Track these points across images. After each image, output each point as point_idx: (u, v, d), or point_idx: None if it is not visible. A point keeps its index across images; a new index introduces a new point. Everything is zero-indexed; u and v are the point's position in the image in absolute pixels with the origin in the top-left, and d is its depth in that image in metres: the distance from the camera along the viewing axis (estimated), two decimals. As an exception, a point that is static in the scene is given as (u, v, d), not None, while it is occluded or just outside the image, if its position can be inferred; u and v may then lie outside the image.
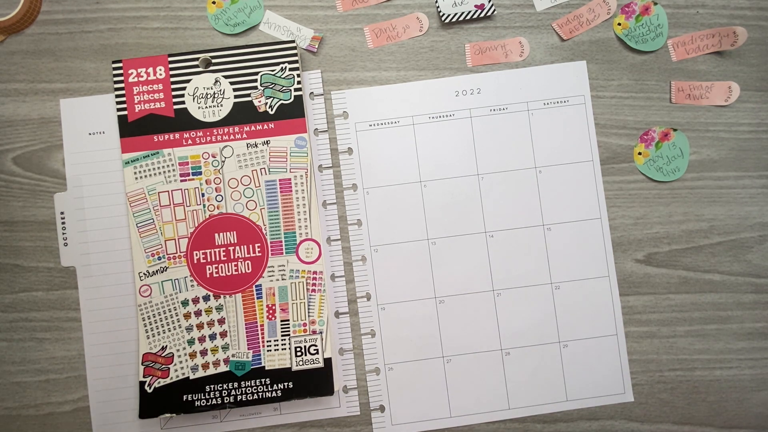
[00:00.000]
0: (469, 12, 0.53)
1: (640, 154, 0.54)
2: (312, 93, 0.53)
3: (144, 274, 0.50)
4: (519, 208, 0.53)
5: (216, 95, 0.51)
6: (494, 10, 0.53)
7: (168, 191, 0.51)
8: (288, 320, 0.50)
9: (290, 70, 0.52)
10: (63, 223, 0.52)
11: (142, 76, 0.51)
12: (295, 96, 0.52)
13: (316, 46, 0.53)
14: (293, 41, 0.52)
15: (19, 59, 0.53)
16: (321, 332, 0.50)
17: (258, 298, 0.50)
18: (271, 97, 0.51)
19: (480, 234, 0.53)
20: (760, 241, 0.54)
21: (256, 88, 0.51)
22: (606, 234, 0.53)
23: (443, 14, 0.53)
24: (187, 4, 0.53)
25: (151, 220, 0.51)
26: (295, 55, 0.52)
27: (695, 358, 0.53)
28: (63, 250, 0.52)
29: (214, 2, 0.53)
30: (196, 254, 0.51)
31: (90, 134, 0.52)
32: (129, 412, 0.51)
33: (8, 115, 0.52)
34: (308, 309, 0.51)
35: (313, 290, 0.51)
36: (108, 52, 0.53)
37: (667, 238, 0.54)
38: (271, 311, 0.50)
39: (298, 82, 0.52)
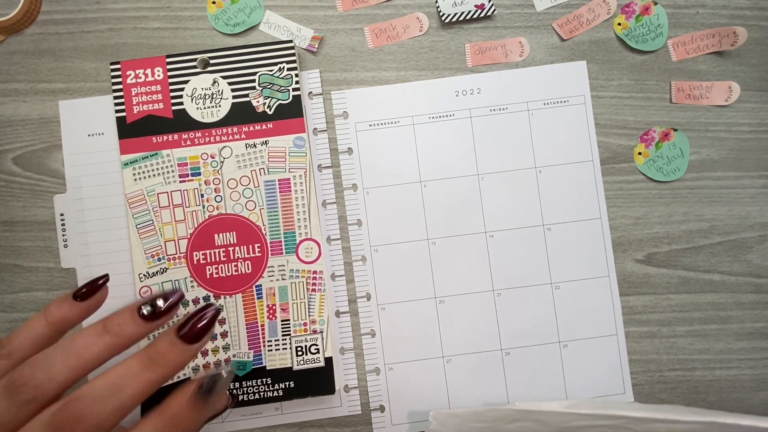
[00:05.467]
0: (469, 12, 0.53)
1: (640, 154, 0.54)
2: (311, 93, 0.53)
3: (144, 275, 0.50)
4: (519, 208, 0.53)
5: (214, 96, 0.51)
6: (494, 10, 0.53)
7: (167, 192, 0.51)
8: (288, 320, 0.50)
9: (288, 69, 0.52)
10: (63, 224, 0.52)
11: (140, 78, 0.51)
12: (293, 96, 0.52)
13: (316, 46, 0.53)
14: (291, 41, 0.52)
15: (19, 59, 0.53)
16: (321, 332, 0.50)
17: (258, 298, 0.50)
18: (269, 97, 0.51)
19: (480, 234, 0.53)
20: (760, 241, 0.54)
21: (254, 88, 0.51)
22: (606, 234, 0.53)
23: (443, 14, 0.53)
24: (187, 4, 0.53)
25: (151, 222, 0.51)
26: (293, 54, 0.52)
27: (695, 358, 0.53)
28: (63, 251, 0.52)
29: (214, 2, 0.53)
30: (196, 255, 0.51)
31: (89, 135, 0.52)
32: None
33: (8, 115, 0.52)
34: (308, 309, 0.51)
35: (314, 290, 0.51)
36: (108, 52, 0.53)
37: (667, 238, 0.54)
38: (271, 311, 0.50)
39: (296, 82, 0.52)
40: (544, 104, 0.54)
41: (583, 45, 0.54)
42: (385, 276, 0.53)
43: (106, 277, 0.36)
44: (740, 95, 0.54)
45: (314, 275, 0.51)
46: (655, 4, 0.54)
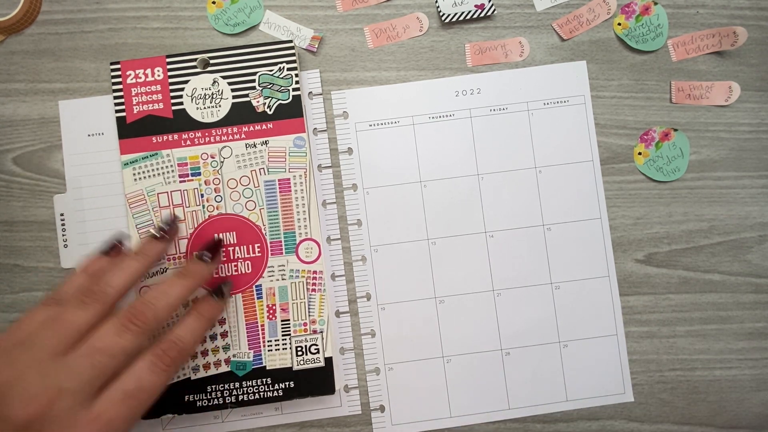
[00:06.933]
0: (469, 12, 0.53)
1: (640, 154, 0.54)
2: (311, 93, 0.53)
3: (144, 275, 0.50)
4: (519, 208, 0.53)
5: (214, 96, 0.51)
6: (494, 10, 0.53)
7: (167, 192, 0.51)
8: (288, 320, 0.50)
9: (288, 69, 0.52)
10: (63, 224, 0.52)
11: (140, 78, 0.51)
12: (293, 96, 0.52)
13: (316, 46, 0.53)
14: (291, 41, 0.52)
15: (19, 59, 0.53)
16: (321, 332, 0.50)
17: (258, 298, 0.50)
18: (269, 97, 0.51)
19: (480, 234, 0.53)
20: (760, 241, 0.54)
21: (254, 88, 0.51)
22: (606, 234, 0.53)
23: (443, 14, 0.53)
24: (187, 4, 0.53)
25: (151, 222, 0.51)
26: (293, 54, 0.52)
27: (695, 358, 0.53)
28: (63, 251, 0.52)
29: (214, 2, 0.53)
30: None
31: (89, 135, 0.52)
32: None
33: (8, 115, 0.52)
34: (308, 308, 0.51)
35: (313, 290, 0.51)
36: (108, 52, 0.53)
37: (667, 238, 0.54)
38: (271, 311, 0.50)
39: (296, 82, 0.52)
40: (544, 104, 0.54)
41: (583, 45, 0.54)
42: (385, 276, 0.53)
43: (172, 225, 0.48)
44: (740, 95, 0.54)
45: (314, 275, 0.51)
46: (655, 4, 0.54)
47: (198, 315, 0.44)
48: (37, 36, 0.53)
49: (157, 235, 0.46)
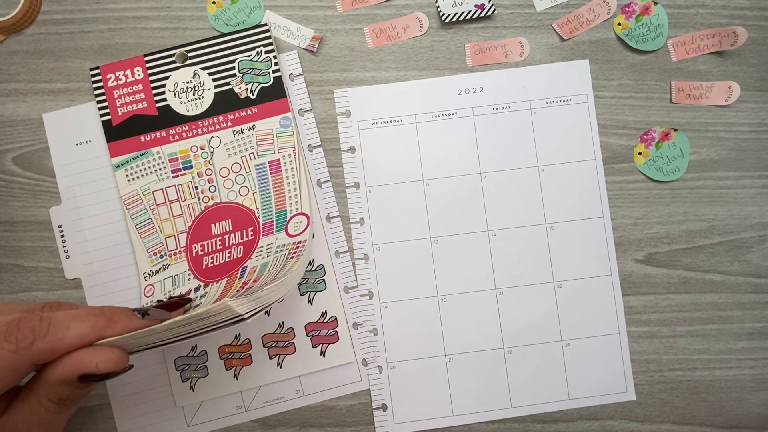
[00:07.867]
0: (469, 12, 0.53)
1: (640, 154, 0.54)
2: (291, 74, 0.53)
3: (148, 273, 0.50)
4: (521, 206, 0.53)
5: (196, 88, 0.52)
6: (494, 10, 0.53)
7: (162, 189, 0.51)
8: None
9: (266, 53, 0.52)
10: (62, 236, 0.51)
11: (120, 79, 0.52)
12: (274, 78, 0.52)
13: (316, 46, 0.53)
14: (265, 24, 0.52)
15: (19, 59, 0.53)
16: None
17: (240, 278, 0.49)
18: (250, 82, 0.52)
19: (482, 232, 0.53)
20: (760, 241, 0.54)
21: (234, 75, 0.52)
22: (608, 233, 0.53)
23: (443, 14, 0.53)
24: (187, 4, 0.53)
25: (149, 220, 0.51)
26: (268, 38, 0.52)
27: (695, 358, 0.53)
28: (66, 263, 0.51)
29: (214, 2, 0.53)
30: (195, 247, 0.50)
31: (77, 145, 0.52)
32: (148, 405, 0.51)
33: (8, 115, 0.52)
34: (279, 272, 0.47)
35: (292, 257, 0.48)
36: (108, 52, 0.53)
37: (667, 238, 0.54)
38: (243, 288, 0.47)
39: (276, 64, 0.52)
40: (547, 103, 0.54)
41: (583, 45, 0.54)
42: (388, 274, 0.53)
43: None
44: (740, 95, 0.54)
45: (297, 245, 0.49)
46: (655, 4, 0.54)
47: (100, 313, 0.37)
48: (37, 36, 0.53)
49: (138, 315, 0.38)
